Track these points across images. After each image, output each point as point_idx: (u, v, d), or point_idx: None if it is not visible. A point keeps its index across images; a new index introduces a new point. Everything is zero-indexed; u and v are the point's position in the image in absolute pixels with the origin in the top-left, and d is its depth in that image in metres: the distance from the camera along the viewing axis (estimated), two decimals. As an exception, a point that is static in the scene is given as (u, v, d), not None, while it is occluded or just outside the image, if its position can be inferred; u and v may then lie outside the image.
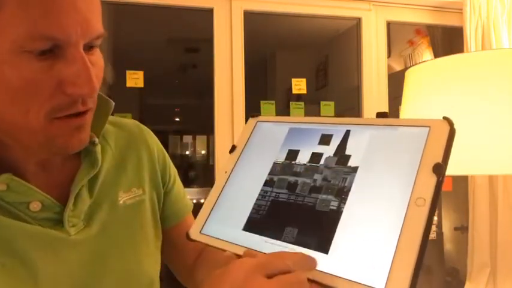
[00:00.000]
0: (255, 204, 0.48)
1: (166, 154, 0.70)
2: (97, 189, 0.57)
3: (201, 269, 0.70)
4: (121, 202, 0.59)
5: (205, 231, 0.49)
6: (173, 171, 0.70)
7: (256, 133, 0.56)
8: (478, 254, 1.64)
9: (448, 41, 2.23)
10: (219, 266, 0.68)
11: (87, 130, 0.50)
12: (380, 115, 0.47)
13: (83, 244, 0.53)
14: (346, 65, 2.54)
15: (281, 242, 0.43)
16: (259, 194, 0.49)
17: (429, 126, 0.43)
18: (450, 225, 2.21)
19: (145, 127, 0.69)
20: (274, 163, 0.51)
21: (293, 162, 0.49)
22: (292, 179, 0.48)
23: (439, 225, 2.23)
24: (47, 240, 0.50)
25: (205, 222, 0.49)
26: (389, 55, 1.99)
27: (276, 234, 0.44)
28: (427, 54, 2.37)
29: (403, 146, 0.43)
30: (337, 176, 0.45)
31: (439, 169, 0.40)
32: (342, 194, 0.44)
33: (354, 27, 1.98)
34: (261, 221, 0.46)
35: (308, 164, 0.48)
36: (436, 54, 2.23)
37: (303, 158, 0.49)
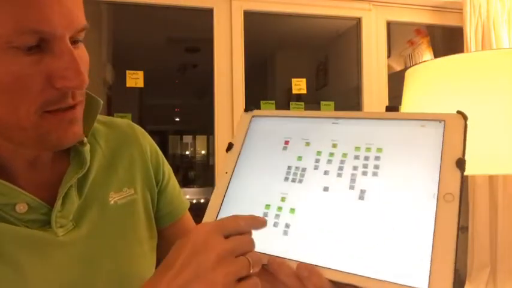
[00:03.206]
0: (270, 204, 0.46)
1: (160, 153, 0.69)
2: (86, 189, 0.56)
3: None
4: (112, 202, 0.58)
5: None
6: (167, 169, 0.69)
7: (253, 128, 0.53)
8: (478, 254, 1.64)
9: (448, 41, 2.23)
10: None
11: (79, 123, 0.50)
12: (390, 109, 0.47)
13: (72, 245, 0.52)
14: (346, 65, 2.54)
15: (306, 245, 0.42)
16: (274, 193, 0.46)
17: (444, 120, 0.43)
18: (450, 225, 2.21)
19: (138, 127, 0.69)
20: (284, 157, 0.48)
21: (306, 156, 0.47)
22: (309, 172, 0.46)
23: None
24: (34, 241, 0.49)
25: None
26: (389, 55, 1.99)
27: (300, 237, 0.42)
28: (427, 54, 2.37)
29: (421, 140, 0.43)
30: (357, 169, 0.44)
31: (462, 164, 0.40)
32: (367, 193, 0.42)
33: (354, 27, 1.98)
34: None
35: (322, 157, 0.46)
36: (436, 54, 2.23)
37: (315, 150, 0.47)
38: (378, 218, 0.40)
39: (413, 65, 1.16)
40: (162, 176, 0.68)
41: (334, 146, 0.46)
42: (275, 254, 0.42)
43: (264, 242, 0.43)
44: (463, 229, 2.07)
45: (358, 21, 1.91)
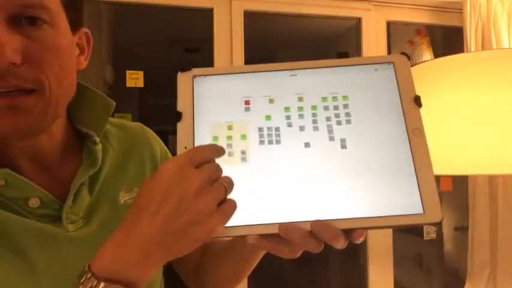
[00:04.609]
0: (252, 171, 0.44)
1: (170, 155, 0.71)
2: (97, 187, 0.57)
3: (205, 263, 0.70)
4: (122, 202, 0.59)
5: None
6: None
7: (199, 90, 0.46)
8: (478, 254, 1.64)
9: (448, 41, 2.23)
10: (228, 253, 0.67)
11: (27, 116, 0.45)
12: (341, 55, 0.48)
13: (82, 241, 0.53)
14: (346, 65, 2.53)
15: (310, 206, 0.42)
16: (254, 160, 0.44)
17: (392, 62, 0.46)
18: (450, 225, 2.21)
19: (148, 129, 0.70)
20: (250, 119, 0.45)
21: (274, 114, 0.45)
22: (284, 131, 0.44)
23: (439, 225, 2.23)
24: (44, 235, 0.50)
25: None
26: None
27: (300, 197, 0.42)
28: (427, 54, 2.37)
29: (378, 83, 0.46)
30: (331, 119, 0.45)
31: (418, 100, 0.45)
32: (347, 141, 0.44)
33: (354, 27, 1.98)
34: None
35: (292, 113, 0.45)
36: (436, 54, 2.23)
37: (282, 106, 0.45)
38: (363, 162, 0.43)
39: (413, 65, 1.16)
40: None
41: (300, 99, 0.46)
42: (282, 221, 0.41)
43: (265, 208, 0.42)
44: (463, 229, 2.07)
45: (358, 21, 1.90)
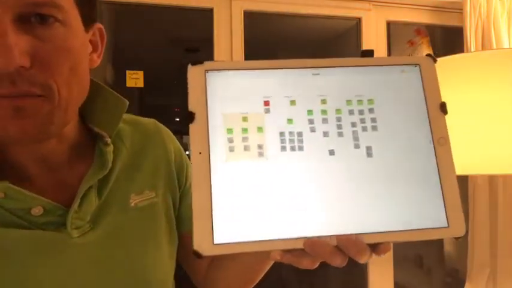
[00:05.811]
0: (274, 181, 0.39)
1: (185, 155, 0.67)
2: (107, 190, 0.55)
3: (215, 269, 0.68)
4: (132, 204, 0.57)
5: (223, 239, 0.37)
6: (191, 172, 0.68)
7: (213, 87, 0.40)
8: (478, 254, 1.64)
9: (448, 41, 2.23)
10: (237, 260, 0.64)
11: (33, 118, 0.44)
12: (365, 53, 0.45)
13: (87, 247, 0.51)
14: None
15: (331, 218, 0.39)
16: (274, 168, 0.39)
17: (419, 64, 0.44)
18: (450, 225, 2.21)
19: (163, 127, 0.67)
20: (271, 122, 0.40)
21: (296, 117, 0.41)
22: (307, 137, 0.41)
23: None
24: (47, 243, 0.49)
25: (213, 228, 0.37)
26: (389, 55, 1.99)
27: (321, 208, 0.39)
28: (427, 54, 2.36)
29: (404, 87, 0.43)
30: (356, 125, 0.42)
31: (444, 108, 0.42)
32: (373, 149, 0.41)
33: (354, 27, 1.98)
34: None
35: (316, 117, 0.41)
36: (436, 54, 2.22)
37: (304, 109, 0.41)
38: (389, 172, 0.41)
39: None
40: (185, 179, 0.65)
41: (324, 102, 0.41)
42: (306, 234, 0.38)
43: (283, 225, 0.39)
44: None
45: (358, 21, 1.90)
